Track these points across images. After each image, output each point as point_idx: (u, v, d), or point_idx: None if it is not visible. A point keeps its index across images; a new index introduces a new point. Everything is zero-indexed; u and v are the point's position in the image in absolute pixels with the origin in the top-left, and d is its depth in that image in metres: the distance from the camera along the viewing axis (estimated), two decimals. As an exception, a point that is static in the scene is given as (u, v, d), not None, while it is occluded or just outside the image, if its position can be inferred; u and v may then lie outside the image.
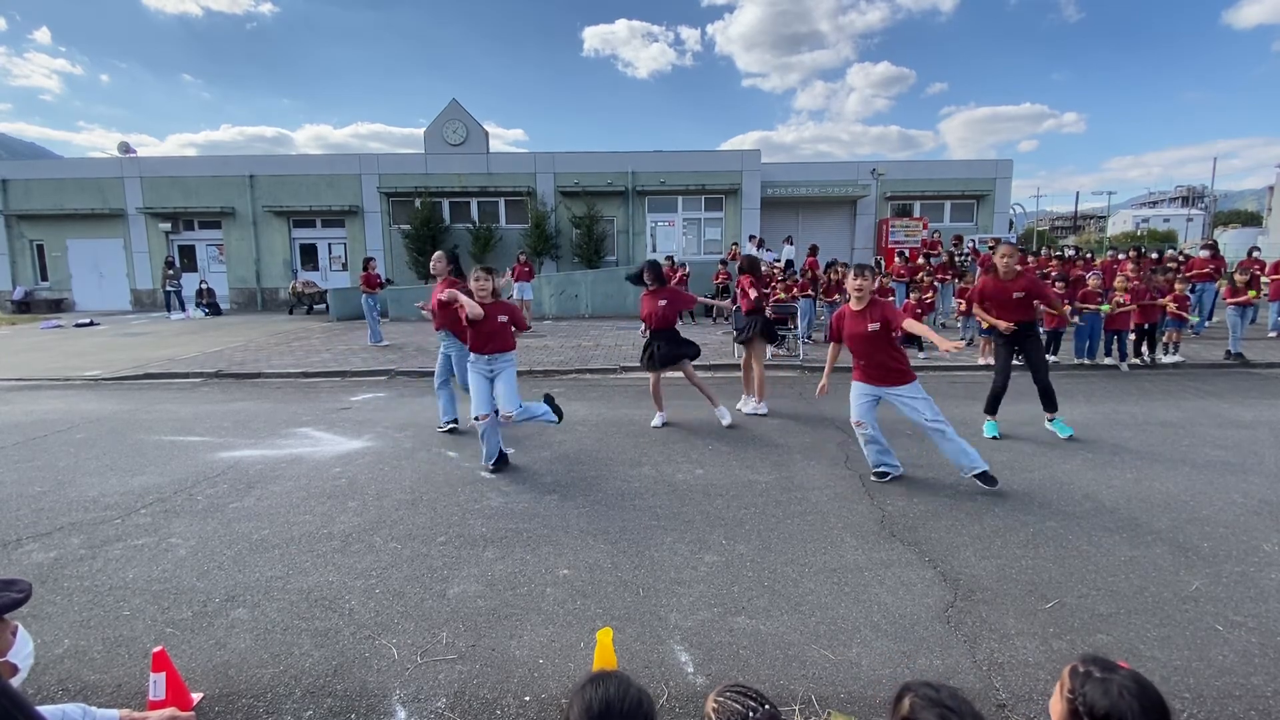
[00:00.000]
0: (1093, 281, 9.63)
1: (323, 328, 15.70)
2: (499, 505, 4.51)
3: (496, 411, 5.21)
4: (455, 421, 6.47)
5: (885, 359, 4.72)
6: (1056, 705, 1.38)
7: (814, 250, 14.90)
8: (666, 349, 6.41)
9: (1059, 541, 3.80)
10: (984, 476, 4.56)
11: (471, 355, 5.29)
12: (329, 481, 5.02)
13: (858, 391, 4.87)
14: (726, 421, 6.45)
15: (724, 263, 17.01)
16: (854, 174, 22.78)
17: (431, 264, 6.60)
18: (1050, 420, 6.08)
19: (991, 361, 9.50)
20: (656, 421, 6.55)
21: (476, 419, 5.18)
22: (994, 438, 5.92)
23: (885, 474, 4.88)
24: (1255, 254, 13.30)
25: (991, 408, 6.03)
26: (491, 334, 5.18)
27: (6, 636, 1.95)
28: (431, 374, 8.73)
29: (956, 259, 14.51)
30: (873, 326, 4.67)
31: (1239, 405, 7.09)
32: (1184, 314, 9.75)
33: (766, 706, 1.35)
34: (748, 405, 7.10)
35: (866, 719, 2.41)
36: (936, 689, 1.32)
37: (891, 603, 3.18)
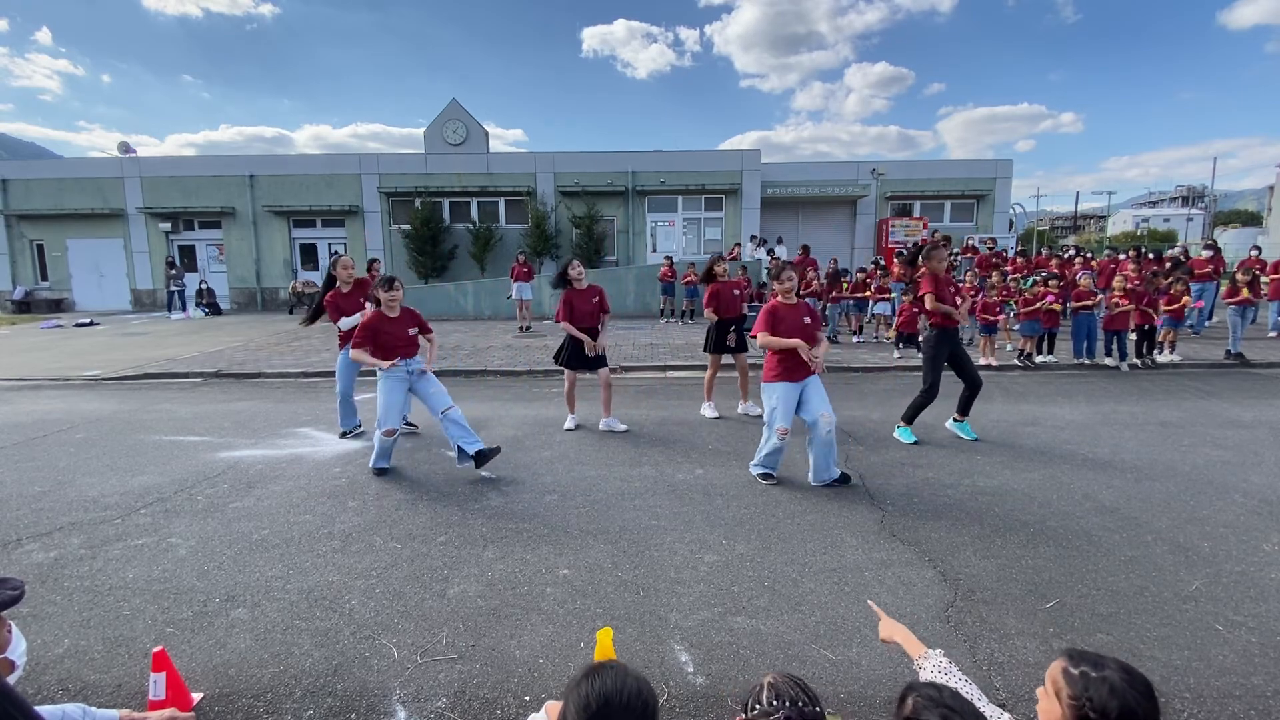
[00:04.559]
0: (1084, 281, 9.64)
1: (322, 328, 15.66)
2: (499, 505, 4.51)
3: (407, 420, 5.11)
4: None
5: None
6: (1053, 710, 1.35)
7: (805, 250, 14.74)
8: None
9: (1059, 541, 3.80)
10: (842, 478, 4.80)
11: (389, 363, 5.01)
12: (329, 481, 5.02)
13: (788, 392, 4.74)
14: (620, 428, 6.39)
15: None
16: (854, 174, 22.79)
17: (345, 269, 6.19)
18: (959, 421, 6.04)
19: (993, 362, 9.53)
20: (570, 424, 6.50)
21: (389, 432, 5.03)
22: (915, 442, 5.79)
23: (771, 476, 4.87)
24: (1254, 254, 13.32)
25: (912, 416, 5.91)
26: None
27: (3, 634, 1.95)
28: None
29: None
30: (807, 320, 4.82)
31: (1239, 405, 7.08)
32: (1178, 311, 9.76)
33: (818, 709, 1.34)
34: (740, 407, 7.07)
35: (866, 719, 2.41)
36: (939, 689, 1.33)
37: (891, 603, 3.18)
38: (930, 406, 5.90)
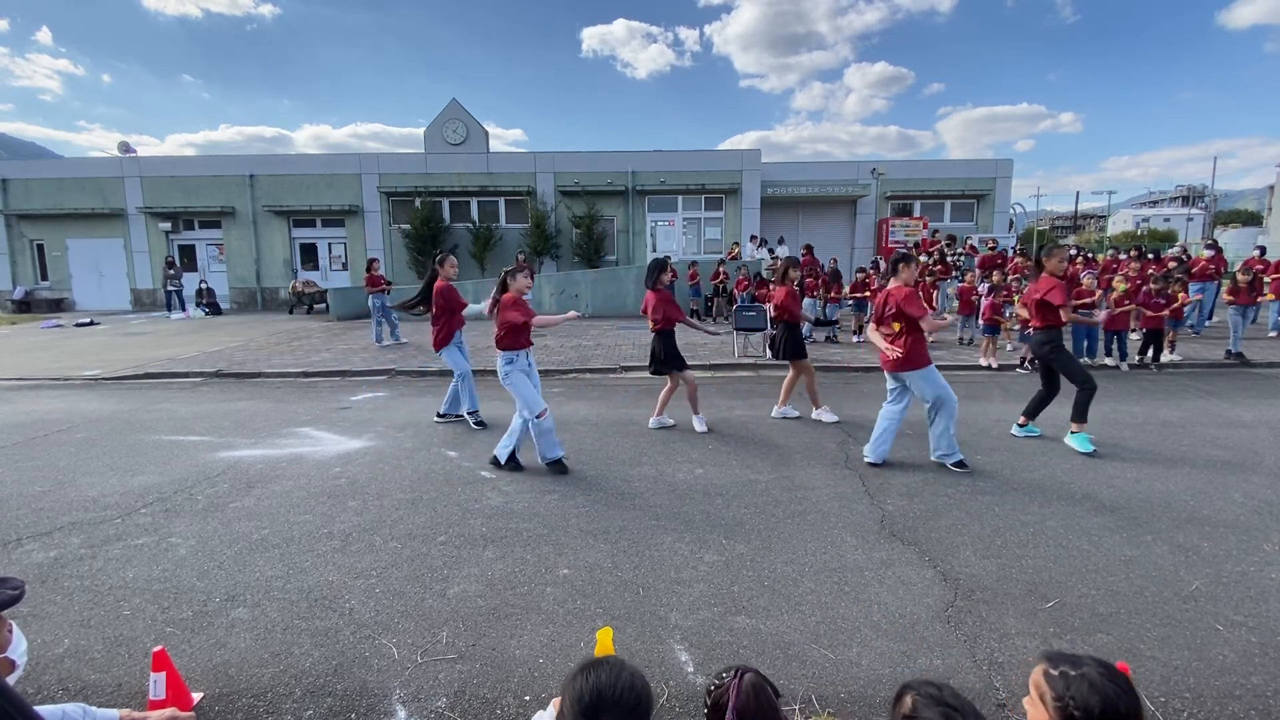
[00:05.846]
0: (1086, 281, 9.63)
1: (323, 327, 15.69)
2: (499, 505, 4.51)
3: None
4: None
5: None
6: (1041, 717, 1.34)
7: (808, 250, 14.80)
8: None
9: (1059, 541, 3.80)
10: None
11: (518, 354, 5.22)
12: (329, 481, 5.02)
13: None
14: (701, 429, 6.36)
15: (722, 262, 17.00)
16: (854, 174, 22.78)
17: (449, 268, 6.82)
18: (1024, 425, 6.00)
19: (994, 362, 9.54)
20: (655, 424, 6.53)
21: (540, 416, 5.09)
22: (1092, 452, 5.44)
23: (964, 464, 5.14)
24: (1256, 253, 13.34)
25: (1083, 415, 5.56)
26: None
27: (4, 634, 1.95)
28: (431, 373, 8.76)
29: (949, 257, 14.52)
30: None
31: (1239, 405, 7.08)
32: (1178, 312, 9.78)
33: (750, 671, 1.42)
34: (813, 413, 6.80)
35: (866, 719, 2.41)
36: (938, 687, 1.32)
37: (891, 603, 3.18)
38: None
